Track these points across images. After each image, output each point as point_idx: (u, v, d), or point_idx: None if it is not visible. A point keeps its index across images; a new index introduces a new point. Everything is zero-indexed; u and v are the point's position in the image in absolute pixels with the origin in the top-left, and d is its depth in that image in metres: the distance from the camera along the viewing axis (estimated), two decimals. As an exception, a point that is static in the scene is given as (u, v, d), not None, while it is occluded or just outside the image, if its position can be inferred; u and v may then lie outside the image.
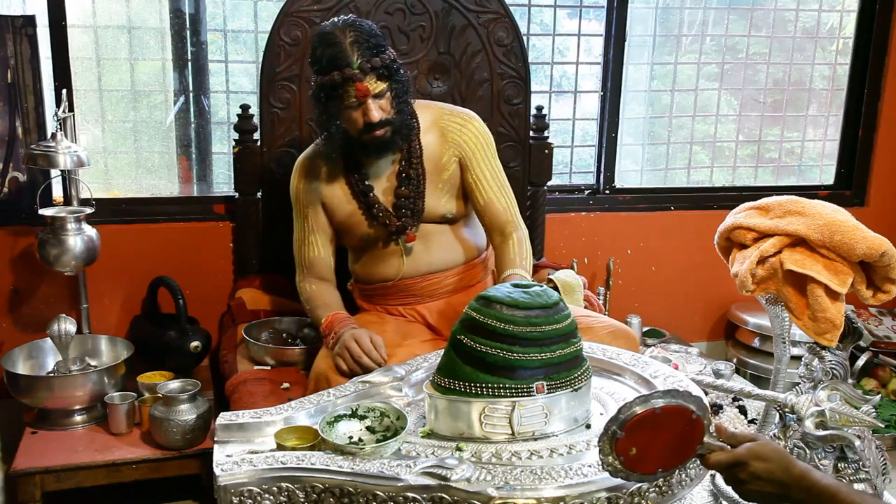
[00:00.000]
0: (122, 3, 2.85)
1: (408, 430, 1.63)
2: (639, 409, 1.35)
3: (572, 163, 3.47)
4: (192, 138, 3.03)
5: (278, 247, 2.76)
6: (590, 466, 1.48)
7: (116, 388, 2.52)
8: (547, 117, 3.06)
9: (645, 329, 3.37)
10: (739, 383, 2.90)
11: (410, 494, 1.45)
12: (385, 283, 2.40)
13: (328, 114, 2.20)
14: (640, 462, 1.38)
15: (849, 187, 3.74)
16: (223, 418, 1.71)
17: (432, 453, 1.57)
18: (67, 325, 2.49)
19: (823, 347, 1.96)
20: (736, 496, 1.46)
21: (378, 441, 1.62)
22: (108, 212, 2.82)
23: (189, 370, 2.68)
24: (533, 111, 3.00)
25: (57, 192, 2.81)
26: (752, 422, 2.76)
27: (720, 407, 2.80)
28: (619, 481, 1.42)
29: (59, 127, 2.53)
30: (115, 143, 2.98)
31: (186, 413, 2.33)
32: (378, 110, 2.15)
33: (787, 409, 1.95)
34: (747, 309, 3.50)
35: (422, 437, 1.67)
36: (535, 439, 1.62)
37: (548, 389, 1.62)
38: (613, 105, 3.37)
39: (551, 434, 1.63)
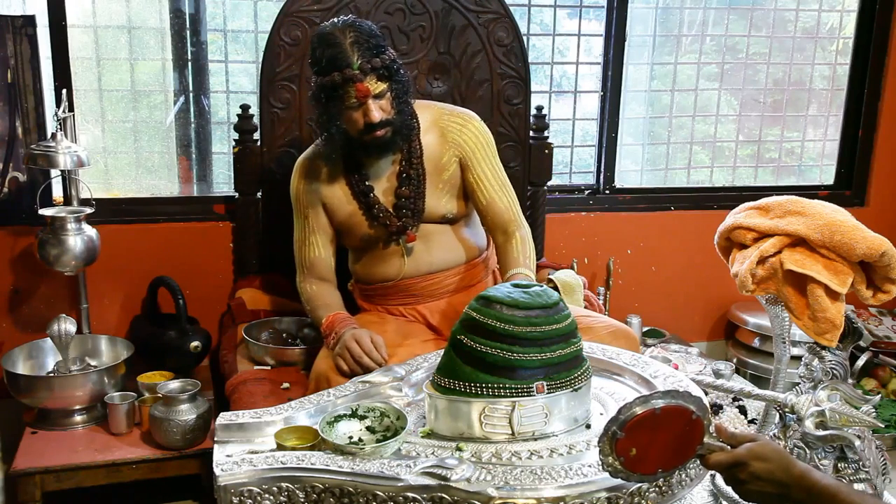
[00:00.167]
0: (122, 3, 2.85)
1: (408, 430, 1.63)
2: (639, 410, 1.35)
3: (572, 163, 3.47)
4: (192, 138, 3.03)
5: (278, 247, 2.76)
6: (590, 466, 1.48)
7: (116, 388, 2.52)
8: (547, 117, 3.06)
9: (645, 329, 3.37)
10: (739, 383, 2.90)
11: (410, 494, 1.45)
12: (386, 284, 2.40)
13: (328, 114, 2.20)
14: (641, 462, 1.38)
15: (849, 187, 3.74)
16: (223, 418, 1.71)
17: (432, 453, 1.57)
18: (67, 325, 2.49)
19: (823, 347, 1.96)
20: (736, 496, 1.46)
21: (378, 441, 1.62)
22: (108, 212, 2.82)
23: (189, 370, 2.68)
24: (533, 111, 3.00)
25: (57, 192, 2.81)
26: (752, 422, 2.76)
27: (720, 407, 2.80)
28: (619, 481, 1.42)
29: (59, 127, 2.53)
30: (115, 143, 2.98)
31: (186, 413, 2.33)
32: (378, 111, 2.15)
33: (787, 409, 1.95)
34: (747, 309, 3.50)
35: (422, 437, 1.67)
36: (535, 439, 1.62)
37: (548, 389, 1.62)
38: (613, 105, 3.37)
39: (551, 434, 1.63)
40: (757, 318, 3.41)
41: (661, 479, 1.47)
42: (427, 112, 2.36)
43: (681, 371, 2.79)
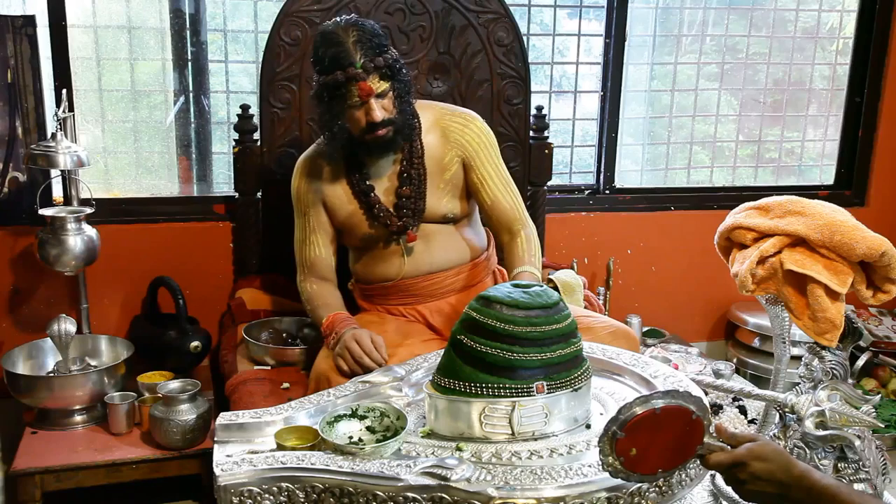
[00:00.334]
0: (122, 3, 2.85)
1: (408, 430, 1.63)
2: (639, 410, 1.35)
3: (572, 163, 3.47)
4: (192, 138, 3.03)
5: (278, 247, 2.76)
6: (590, 466, 1.48)
7: (116, 388, 2.52)
8: (547, 117, 3.05)
9: (645, 329, 3.37)
10: (739, 383, 2.90)
11: (410, 494, 1.45)
12: (386, 283, 2.40)
13: (330, 113, 2.20)
14: (641, 462, 1.38)
15: (849, 187, 3.74)
16: (223, 418, 1.71)
17: (432, 453, 1.57)
18: (67, 325, 2.49)
19: (823, 347, 1.96)
20: (736, 496, 1.46)
21: (378, 441, 1.62)
22: (108, 212, 2.82)
23: (189, 370, 2.68)
24: (533, 111, 3.00)
25: (57, 192, 2.81)
26: (752, 422, 2.76)
27: (720, 407, 2.80)
28: (619, 481, 1.42)
29: (59, 127, 2.53)
30: (115, 143, 2.98)
31: (186, 413, 2.33)
32: (381, 110, 2.16)
33: (787, 409, 1.95)
34: (747, 309, 3.50)
35: (422, 437, 1.67)
36: (535, 439, 1.62)
37: (548, 389, 1.62)
38: (613, 105, 3.37)
39: (551, 434, 1.63)
40: (757, 318, 3.41)
41: (661, 480, 1.47)
42: (428, 112, 2.36)
43: (681, 371, 2.79)
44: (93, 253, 2.61)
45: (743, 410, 2.81)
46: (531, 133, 3.01)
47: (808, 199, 2.03)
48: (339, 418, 1.68)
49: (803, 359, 2.02)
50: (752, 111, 3.65)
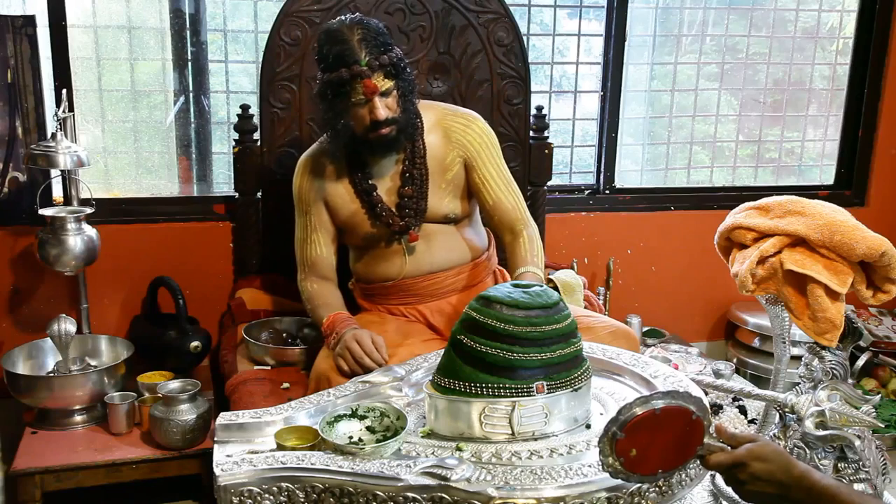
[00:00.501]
0: (122, 3, 2.85)
1: (408, 430, 1.63)
2: (639, 410, 1.35)
3: (572, 163, 3.47)
4: (192, 138, 3.03)
5: (278, 247, 2.76)
6: (590, 466, 1.48)
7: (116, 388, 2.52)
8: (547, 117, 3.05)
9: (645, 329, 3.37)
10: (739, 383, 2.90)
11: (410, 494, 1.45)
12: (386, 283, 2.40)
13: (333, 111, 2.20)
14: (641, 463, 1.38)
15: (849, 187, 3.74)
16: (223, 418, 1.71)
17: (432, 453, 1.57)
18: (67, 325, 2.49)
19: (823, 347, 1.96)
20: (736, 496, 1.46)
21: (378, 441, 1.62)
22: (108, 212, 2.82)
23: (189, 370, 2.68)
24: (533, 111, 3.00)
25: (57, 192, 2.81)
26: (752, 422, 2.76)
27: (720, 407, 2.80)
28: (619, 481, 1.42)
29: (59, 127, 2.53)
30: (115, 143, 2.98)
31: (186, 413, 2.33)
32: (384, 108, 2.15)
33: (787, 409, 1.95)
34: (747, 309, 3.50)
35: (422, 437, 1.67)
36: (535, 439, 1.62)
37: (548, 389, 1.62)
38: (613, 105, 3.37)
39: (551, 434, 1.63)
40: (757, 318, 3.41)
41: (661, 480, 1.47)
42: (431, 112, 2.36)
43: (681, 371, 2.79)
44: (93, 253, 2.61)
45: (743, 410, 2.81)
46: (531, 133, 3.01)
47: (808, 199, 2.03)
48: (339, 418, 1.68)
49: (803, 359, 2.02)
50: (752, 111, 3.65)
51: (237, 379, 2.40)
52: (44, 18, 2.71)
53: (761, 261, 1.99)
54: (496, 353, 1.61)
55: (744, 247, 2.08)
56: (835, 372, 1.96)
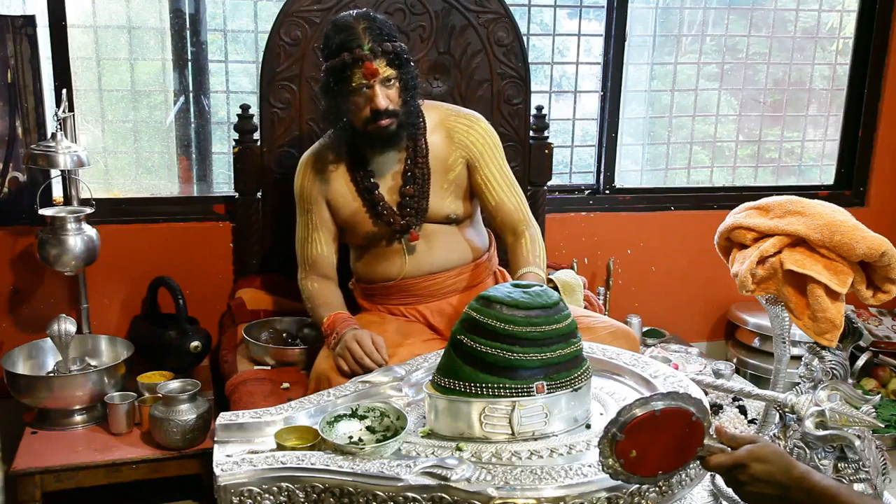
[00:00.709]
0: (122, 3, 2.85)
1: (408, 430, 1.63)
2: (639, 412, 1.35)
3: (572, 163, 3.47)
4: (192, 138, 3.03)
5: (278, 247, 2.76)
6: (590, 466, 1.48)
7: (116, 388, 2.52)
8: (547, 117, 3.05)
9: (645, 329, 3.37)
10: (739, 383, 2.90)
11: (410, 494, 1.45)
12: (387, 283, 2.40)
13: (335, 101, 2.20)
14: (641, 464, 1.38)
15: (849, 187, 3.74)
16: (223, 418, 1.71)
17: (432, 453, 1.57)
18: (67, 325, 2.49)
19: (823, 347, 1.96)
20: (736, 497, 1.46)
21: (378, 441, 1.62)
22: (108, 212, 2.82)
23: (189, 370, 2.68)
24: (533, 111, 3.00)
25: (57, 192, 2.81)
26: (752, 422, 2.76)
27: (720, 407, 2.80)
28: (619, 482, 1.42)
29: (59, 127, 2.53)
30: (115, 143, 2.98)
31: (186, 413, 2.33)
32: (385, 98, 2.15)
33: (787, 409, 1.95)
34: (747, 309, 3.50)
35: (422, 437, 1.67)
36: (535, 439, 1.62)
37: (548, 389, 1.62)
38: (613, 105, 3.37)
39: (551, 434, 1.63)
40: (757, 318, 3.41)
41: (661, 481, 1.47)
42: (433, 112, 2.37)
43: (681, 371, 2.79)
44: (93, 253, 2.61)
45: (743, 410, 2.81)
46: (531, 133, 3.01)
47: (808, 199, 2.03)
48: (339, 418, 1.68)
49: (803, 359, 2.02)
50: (752, 111, 3.65)
51: (237, 379, 2.40)
52: (44, 18, 2.71)
53: (761, 261, 1.99)
54: (496, 353, 1.61)
55: (744, 247, 2.08)
56: (835, 372, 1.96)
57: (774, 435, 2.01)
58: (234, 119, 2.79)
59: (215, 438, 1.68)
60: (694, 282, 3.55)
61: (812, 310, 1.92)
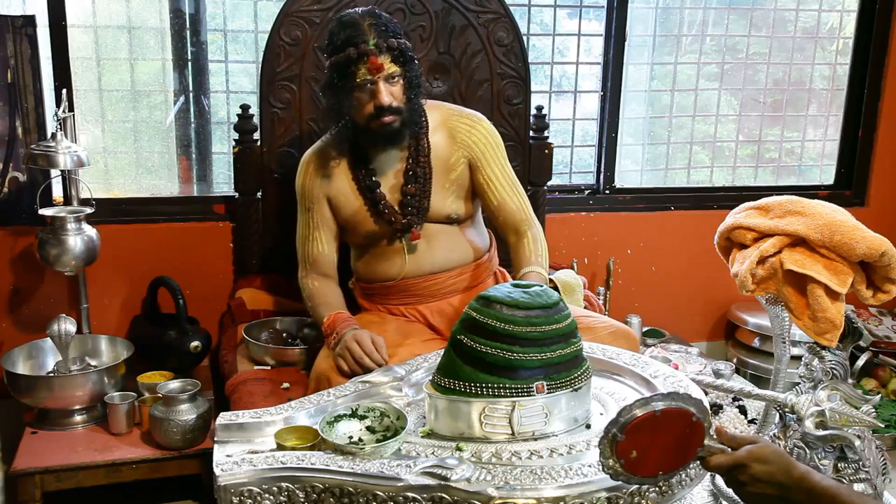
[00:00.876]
0: (122, 3, 2.85)
1: (408, 430, 1.63)
2: (639, 412, 1.35)
3: (572, 163, 3.47)
4: (192, 138, 3.03)
5: (278, 247, 2.76)
6: (590, 466, 1.48)
7: (116, 388, 2.52)
8: (547, 117, 3.05)
9: (645, 329, 3.37)
10: (739, 383, 2.90)
11: (410, 494, 1.45)
12: (387, 283, 2.40)
13: (338, 97, 2.20)
14: (641, 465, 1.38)
15: (849, 187, 3.74)
16: (223, 418, 1.71)
17: (432, 453, 1.57)
18: (67, 325, 2.49)
19: (823, 347, 1.96)
20: (736, 497, 1.46)
21: (378, 441, 1.62)
22: (108, 212, 2.82)
23: (189, 370, 2.68)
24: (533, 111, 3.00)
25: (57, 192, 2.81)
26: (752, 422, 2.76)
27: (720, 407, 2.80)
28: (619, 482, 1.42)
29: (59, 127, 2.53)
30: (115, 143, 2.98)
31: (186, 413, 2.33)
32: (388, 95, 2.16)
33: (787, 409, 1.95)
34: (747, 309, 3.50)
35: (422, 437, 1.67)
36: (535, 439, 1.62)
37: (548, 389, 1.62)
38: (613, 105, 3.37)
39: (551, 434, 1.63)
40: (757, 318, 3.41)
41: (662, 482, 1.47)
42: (436, 112, 2.37)
43: (681, 371, 2.79)
44: (93, 253, 2.61)
45: (743, 410, 2.81)
46: (531, 133, 3.01)
47: (808, 199, 2.03)
48: (339, 418, 1.68)
49: (803, 359, 2.02)
50: (752, 111, 3.65)
51: (237, 379, 2.40)
52: (44, 18, 2.71)
53: (761, 261, 1.99)
54: (496, 353, 1.61)
55: (744, 247, 2.08)
56: (835, 372, 1.96)
57: (774, 435, 2.01)
58: (234, 119, 2.79)
59: (215, 438, 1.68)
60: (694, 282, 3.56)
61: (812, 310, 1.92)
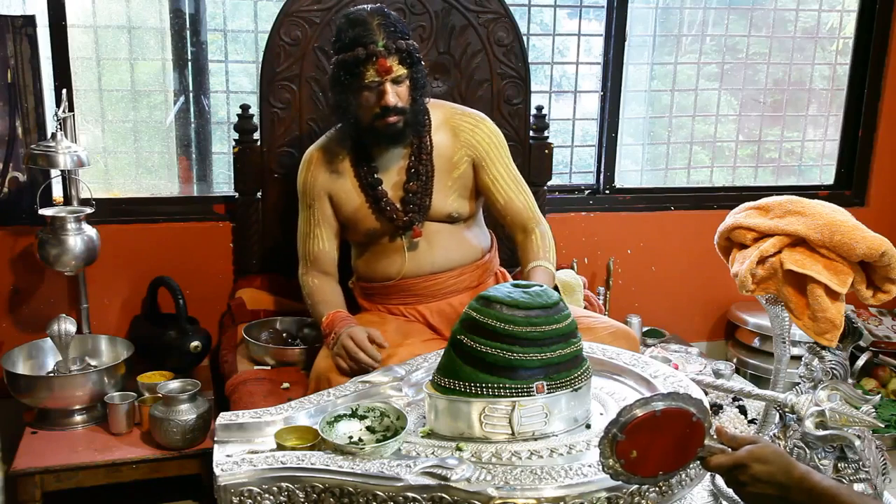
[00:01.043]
0: (122, 3, 2.85)
1: (408, 430, 1.63)
2: (639, 412, 1.35)
3: (572, 163, 3.47)
4: (192, 138, 3.03)
5: (278, 247, 2.76)
6: (590, 466, 1.48)
7: (116, 388, 2.52)
8: (547, 117, 3.05)
9: (645, 329, 3.37)
10: (739, 383, 2.90)
11: (410, 494, 1.45)
12: (387, 283, 2.40)
13: (344, 94, 2.20)
14: (641, 465, 1.38)
15: (849, 187, 3.74)
16: (223, 418, 1.71)
17: (432, 453, 1.57)
18: (67, 325, 2.49)
19: (823, 347, 1.96)
20: (736, 497, 1.46)
21: (378, 441, 1.62)
22: (108, 212, 2.81)
23: (189, 370, 2.68)
24: (533, 111, 3.00)
25: (57, 192, 2.81)
26: (752, 422, 2.76)
27: (720, 407, 2.80)
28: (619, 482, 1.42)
29: (59, 127, 2.53)
30: (115, 143, 2.98)
31: (186, 413, 2.33)
32: (394, 96, 2.16)
33: (787, 409, 1.95)
34: (747, 309, 3.50)
35: (422, 437, 1.67)
36: (535, 439, 1.62)
37: (548, 389, 1.62)
38: (613, 105, 3.37)
39: (551, 434, 1.63)
40: (757, 318, 3.41)
41: (662, 482, 1.47)
42: (439, 110, 2.37)
43: (681, 371, 2.79)
44: (93, 253, 2.61)
45: (743, 410, 2.81)
46: (531, 133, 3.01)
47: (808, 199, 2.03)
48: (339, 418, 1.68)
49: (803, 359, 2.02)
50: (752, 111, 3.65)
51: (237, 379, 2.41)
52: (44, 18, 2.71)
53: (761, 261, 1.99)
54: (496, 353, 1.61)
55: (744, 247, 2.08)
56: (835, 372, 1.96)
57: (774, 435, 2.01)
58: (234, 119, 2.79)
59: (215, 438, 1.68)
60: (694, 282, 3.55)
61: (812, 310, 1.92)
